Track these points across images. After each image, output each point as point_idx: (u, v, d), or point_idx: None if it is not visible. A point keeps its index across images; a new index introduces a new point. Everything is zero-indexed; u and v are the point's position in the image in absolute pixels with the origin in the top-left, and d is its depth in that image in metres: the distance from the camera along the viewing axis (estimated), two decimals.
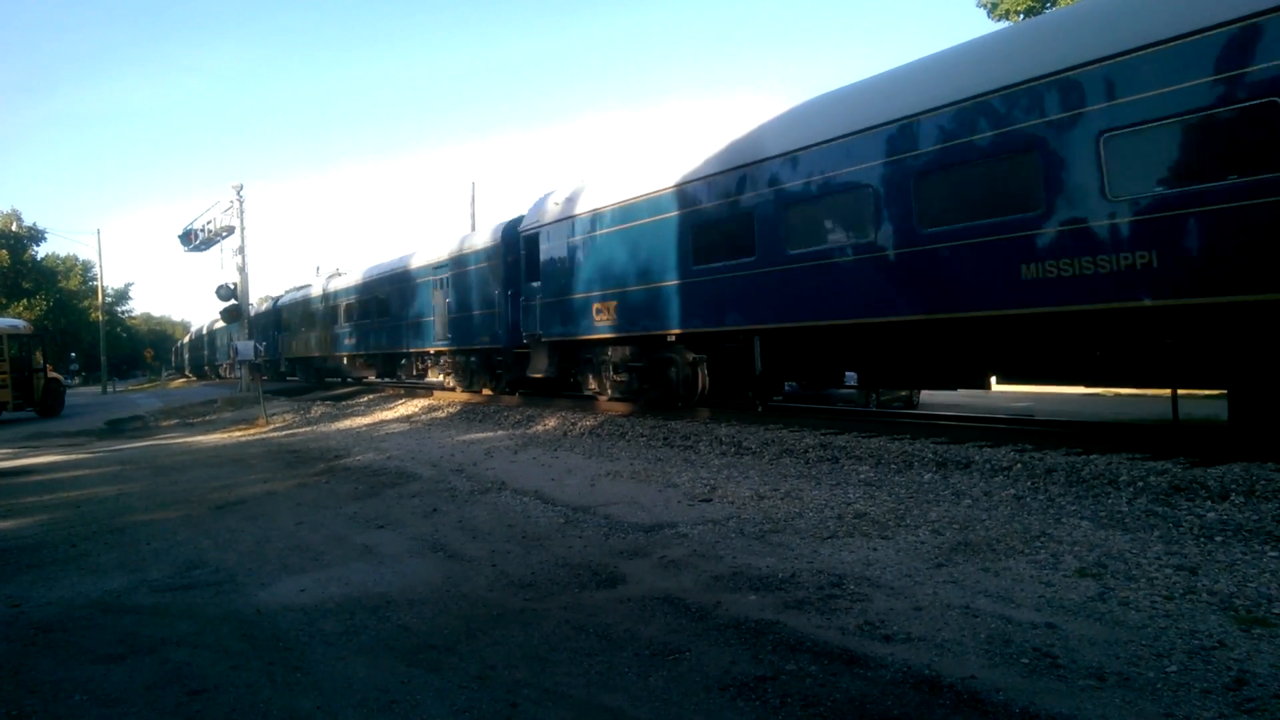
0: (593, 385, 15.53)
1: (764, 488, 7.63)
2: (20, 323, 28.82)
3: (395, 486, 9.07)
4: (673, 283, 12.66)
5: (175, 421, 22.50)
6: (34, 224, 62.12)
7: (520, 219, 17.70)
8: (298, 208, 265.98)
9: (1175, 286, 7.00)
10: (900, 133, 9.17)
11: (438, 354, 22.20)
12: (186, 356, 73.52)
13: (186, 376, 66.59)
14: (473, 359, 20.36)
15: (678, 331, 12.67)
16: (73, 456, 14.73)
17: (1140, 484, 6.55)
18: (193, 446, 15.37)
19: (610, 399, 15.12)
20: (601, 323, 14.29)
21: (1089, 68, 7.48)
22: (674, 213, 12.62)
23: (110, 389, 47.61)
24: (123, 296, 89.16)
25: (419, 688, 3.72)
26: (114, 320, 75.47)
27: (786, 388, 14.37)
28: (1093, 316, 7.66)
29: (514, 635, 4.31)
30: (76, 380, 58.49)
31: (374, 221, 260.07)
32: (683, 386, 13.23)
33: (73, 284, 72.39)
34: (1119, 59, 7.27)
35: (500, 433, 13.77)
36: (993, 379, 9.27)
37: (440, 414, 17.58)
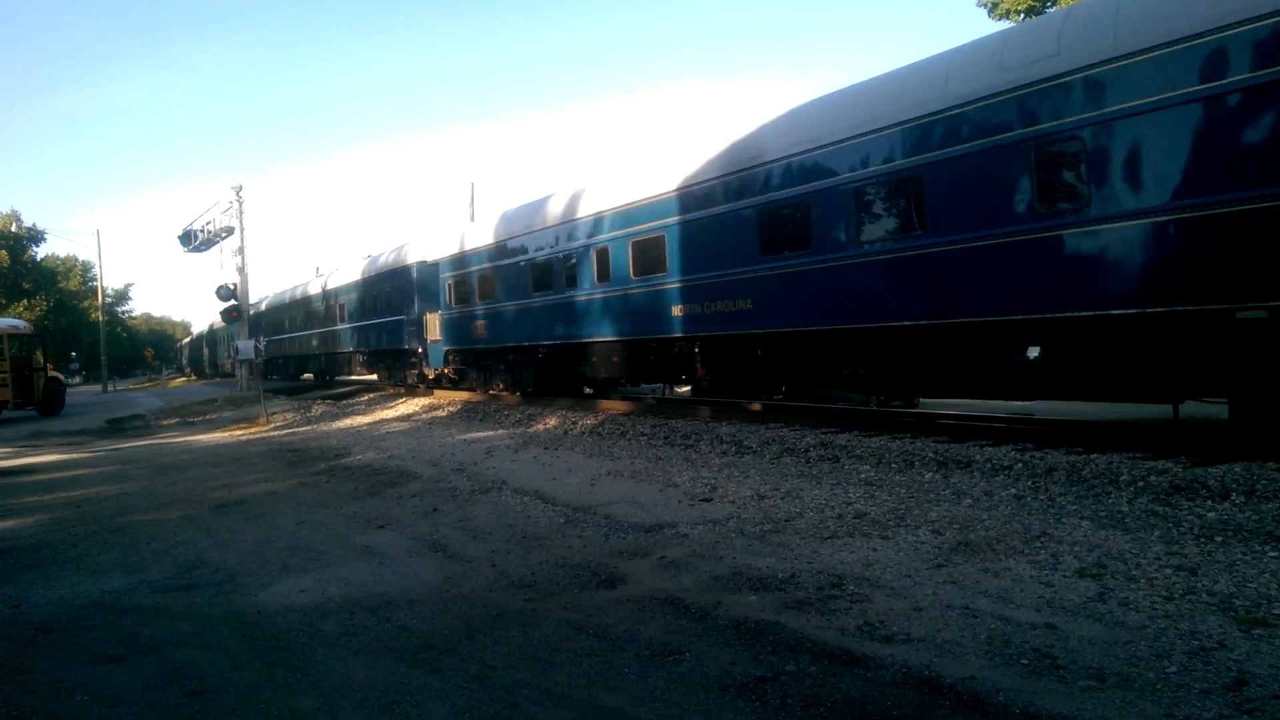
0: None
1: (764, 487, 7.63)
2: (20, 323, 28.90)
3: (395, 486, 9.07)
4: None
5: (175, 420, 22.50)
6: (34, 224, 62.26)
7: None
8: (297, 206, 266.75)
9: None
10: None
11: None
12: (187, 356, 73.72)
13: (187, 375, 66.77)
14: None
15: None
16: (73, 456, 14.73)
17: (1141, 484, 6.55)
18: (193, 445, 15.38)
19: None
20: None
21: None
22: None
23: (111, 388, 47.67)
24: (123, 297, 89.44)
25: (419, 688, 3.72)
26: (114, 320, 75.56)
27: None
28: None
29: (514, 635, 4.31)
30: (77, 380, 58.57)
31: (372, 221, 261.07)
32: None
33: (73, 284, 72.41)
34: None
35: (501, 432, 13.76)
36: None
37: (441, 413, 17.57)
